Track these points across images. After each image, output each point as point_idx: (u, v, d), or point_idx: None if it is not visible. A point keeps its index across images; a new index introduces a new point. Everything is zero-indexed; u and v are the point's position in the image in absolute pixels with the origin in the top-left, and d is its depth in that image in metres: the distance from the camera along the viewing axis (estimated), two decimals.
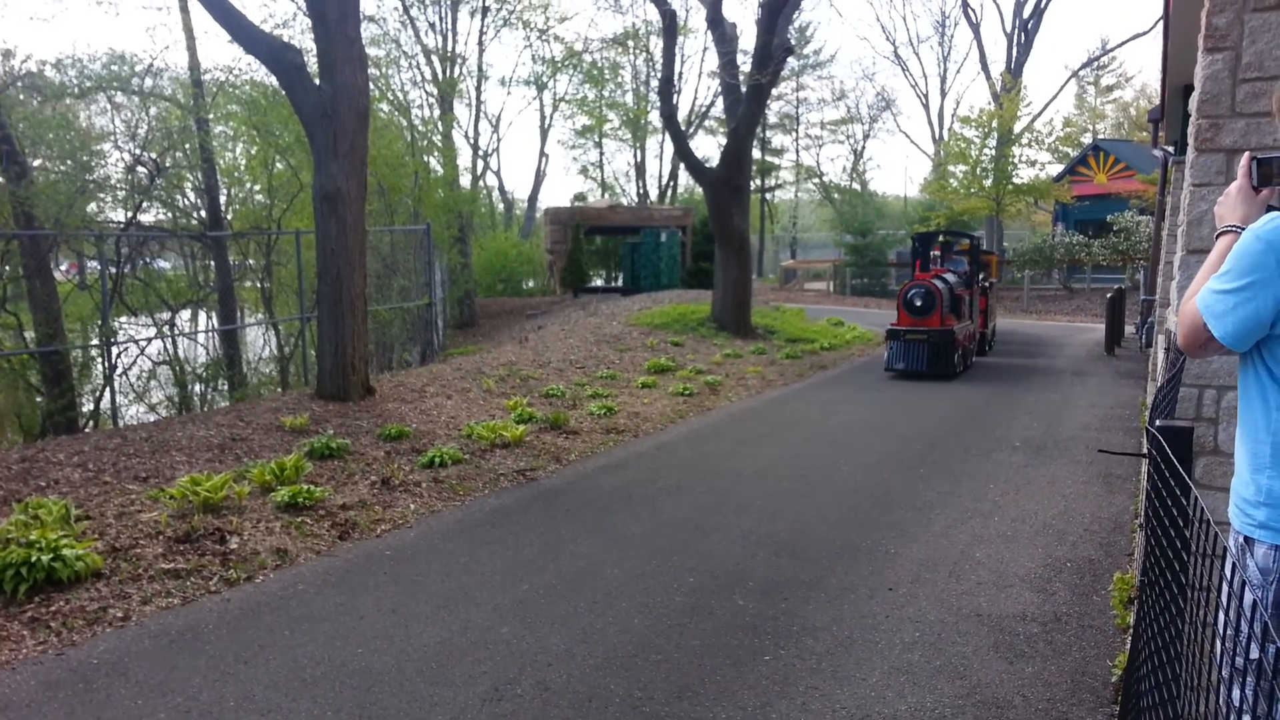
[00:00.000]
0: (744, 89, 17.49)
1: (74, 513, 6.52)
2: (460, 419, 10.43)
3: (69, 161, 12.74)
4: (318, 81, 11.08)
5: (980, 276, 17.21)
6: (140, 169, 14.58)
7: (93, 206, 13.41)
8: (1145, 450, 1.91)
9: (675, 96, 42.93)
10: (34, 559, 5.28)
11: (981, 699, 4.08)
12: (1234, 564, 2.33)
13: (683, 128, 44.78)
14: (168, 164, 15.86)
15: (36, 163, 12.78)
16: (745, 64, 20.22)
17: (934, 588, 5.40)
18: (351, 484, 7.75)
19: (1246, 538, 2.35)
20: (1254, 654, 2.27)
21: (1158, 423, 1.90)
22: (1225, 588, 2.34)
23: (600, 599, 5.28)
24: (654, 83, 41.83)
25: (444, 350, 19.92)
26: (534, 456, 8.92)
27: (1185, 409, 3.82)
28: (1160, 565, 1.97)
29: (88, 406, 13.50)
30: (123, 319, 15.29)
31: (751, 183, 50.84)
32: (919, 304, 14.10)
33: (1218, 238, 2.50)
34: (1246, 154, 2.57)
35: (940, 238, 17.48)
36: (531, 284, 38.73)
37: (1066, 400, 12.03)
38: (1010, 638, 4.72)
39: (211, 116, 16.31)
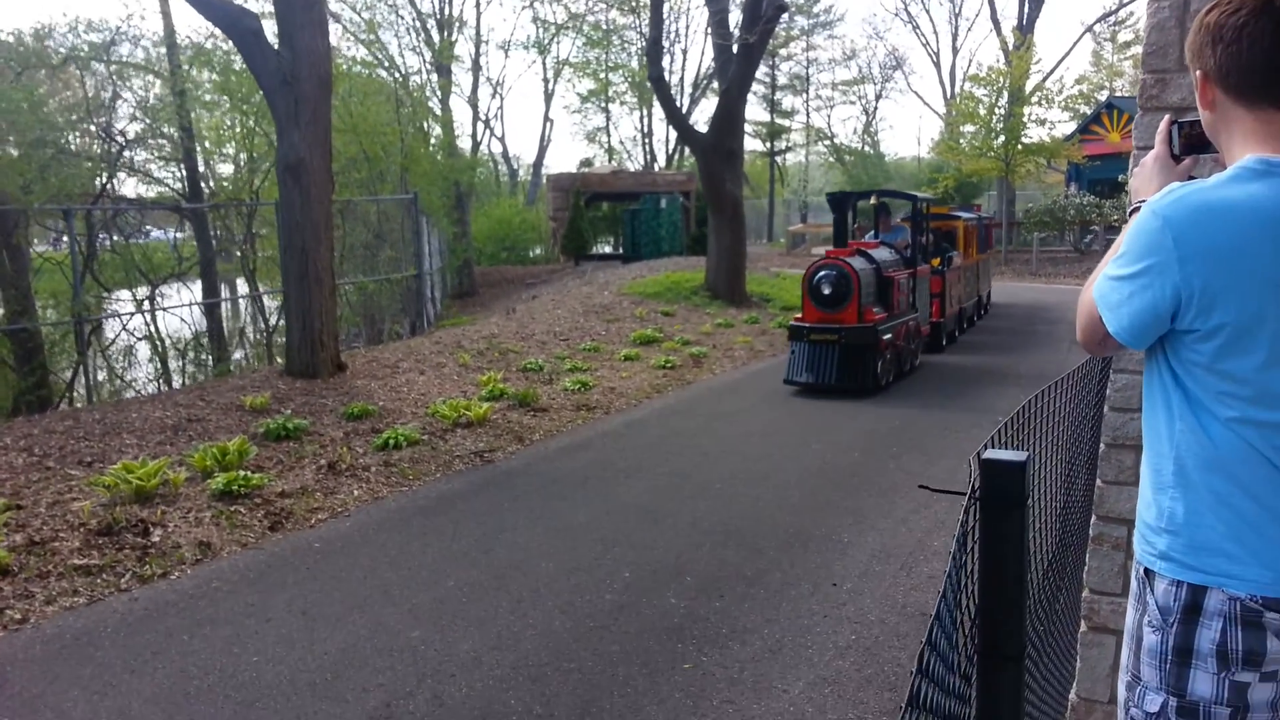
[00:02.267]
0: (734, 49, 16.95)
1: (0, 503, 6.27)
2: (430, 396, 10.13)
3: (36, 134, 12.42)
4: (277, 47, 10.68)
5: (937, 250, 13.96)
6: (112, 140, 14.24)
7: (68, 180, 13.08)
8: (970, 488, 1.54)
9: (669, 59, 42.22)
10: None
11: None
12: (1135, 600, 1.99)
13: (688, 93, 44.08)
14: (145, 135, 15.54)
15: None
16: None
17: (881, 583, 5.07)
18: (299, 468, 7.47)
19: (1147, 569, 1.99)
20: (1152, 707, 1.92)
21: (986, 454, 1.53)
22: (1132, 624, 2.00)
23: (526, 597, 4.97)
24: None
25: (438, 322, 19.64)
26: (495, 436, 8.61)
27: (1125, 399, 3.43)
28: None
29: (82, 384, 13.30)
30: (107, 294, 15.04)
31: (762, 145, 50.11)
32: (827, 291, 10.50)
33: (1130, 215, 2.12)
34: (1166, 117, 2.18)
35: (873, 199, 13.54)
36: (538, 251, 38.33)
37: (1060, 368, 11.61)
38: None
39: (189, 86, 15.94)
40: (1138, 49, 49.19)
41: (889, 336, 10.71)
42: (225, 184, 17.55)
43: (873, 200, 13.43)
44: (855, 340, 10.34)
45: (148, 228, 19.24)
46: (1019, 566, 1.55)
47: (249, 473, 6.91)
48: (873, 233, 13.05)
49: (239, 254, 16.23)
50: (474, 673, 4.15)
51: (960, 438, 8.33)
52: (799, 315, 11.04)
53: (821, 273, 10.66)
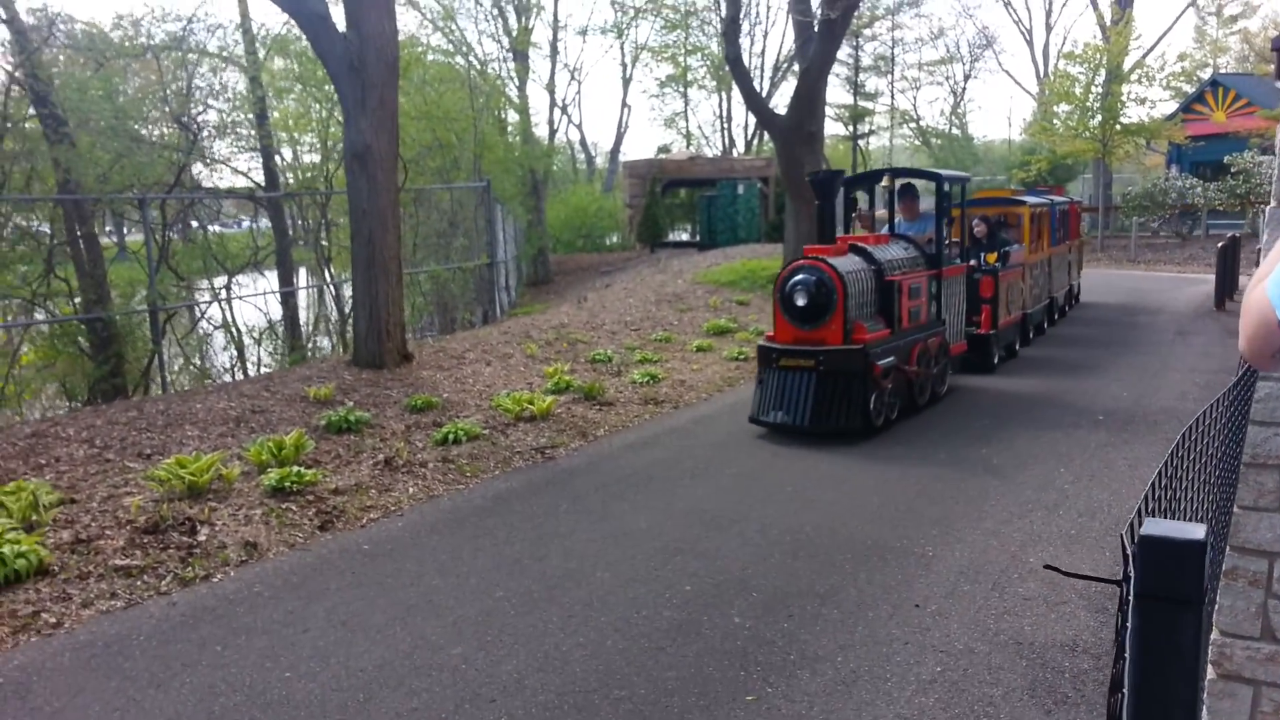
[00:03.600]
0: (815, 26, 16.29)
1: (53, 498, 6.16)
2: (495, 388, 9.86)
3: (113, 124, 12.50)
4: (344, 31, 10.48)
5: (992, 243, 11.61)
6: (188, 130, 14.32)
7: (144, 170, 13.16)
8: (1123, 573, 1.09)
9: (749, 41, 41.42)
10: None
11: None
12: None
13: (767, 76, 43.24)
14: (222, 124, 15.62)
15: (80, 127, 12.58)
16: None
17: (970, 604, 4.57)
18: (355, 464, 7.24)
19: None
20: None
21: (1145, 528, 1.08)
22: None
23: (578, 611, 4.61)
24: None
25: (511, 310, 19.46)
26: (558, 431, 8.28)
27: (1269, 411, 2.89)
28: None
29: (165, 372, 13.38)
30: (182, 282, 15.15)
31: (845, 128, 49.00)
32: (801, 303, 8.02)
33: None
34: None
35: (885, 179, 10.29)
36: (614, 239, 38.02)
37: (1164, 364, 10.81)
38: (1053, 675, 3.88)
39: (266, 75, 15.97)
40: (1245, 23, 46.22)
41: (889, 361, 8.17)
42: (305, 173, 17.58)
43: (884, 182, 10.24)
44: (836, 367, 7.89)
45: (225, 218, 19.49)
46: (1191, 689, 1.09)
47: (303, 469, 6.69)
48: (891, 224, 10.18)
49: (315, 243, 16.24)
50: (515, 698, 3.81)
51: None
52: (771, 332, 8.59)
53: (796, 278, 8.10)
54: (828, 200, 8.63)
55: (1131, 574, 1.11)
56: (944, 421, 8.56)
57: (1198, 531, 1.09)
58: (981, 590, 4.73)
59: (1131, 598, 1.11)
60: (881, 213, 11.06)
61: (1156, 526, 1.09)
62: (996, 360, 10.95)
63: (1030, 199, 13.31)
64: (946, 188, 9.71)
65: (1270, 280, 1.41)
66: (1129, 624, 1.10)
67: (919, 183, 10.66)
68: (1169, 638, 1.07)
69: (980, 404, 9.25)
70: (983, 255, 11.31)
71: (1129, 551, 1.16)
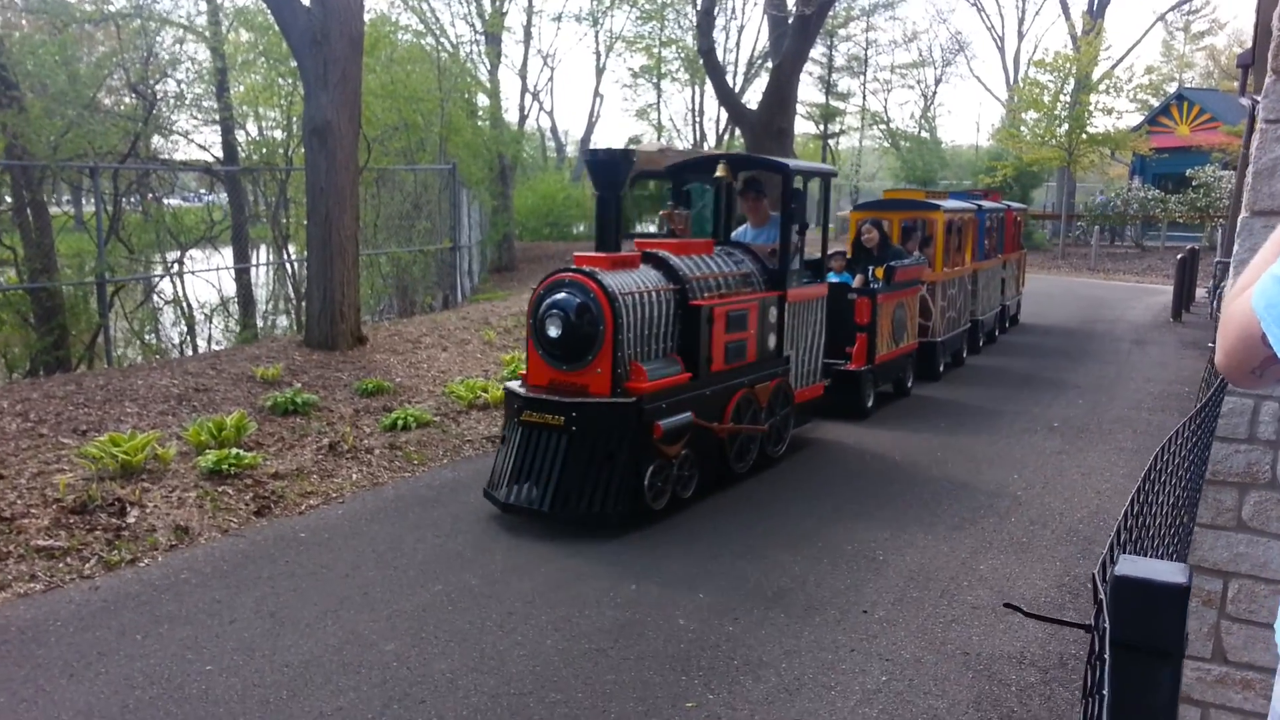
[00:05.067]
0: (789, 22, 16.21)
1: None
2: (450, 374, 9.67)
3: (65, 90, 12.10)
4: (307, 3, 10.21)
5: (882, 255, 9.54)
6: (144, 99, 13.92)
7: (96, 138, 12.76)
8: (1093, 617, 0.96)
9: (724, 36, 41.30)
10: None
11: None
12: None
13: (741, 72, 43.16)
14: (180, 95, 15.23)
15: (31, 93, 12.17)
16: None
17: (919, 611, 4.49)
18: (299, 448, 7.03)
19: None
20: None
21: (1120, 567, 0.96)
22: None
23: (518, 608, 4.47)
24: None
25: (474, 295, 19.20)
26: None
27: (1232, 427, 2.82)
28: None
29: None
30: (132, 255, 14.75)
31: (815, 127, 49.08)
32: (554, 333, 5.74)
33: None
34: None
35: (720, 167, 7.43)
36: (582, 229, 37.75)
37: (1119, 374, 10.86)
38: (999, 689, 3.80)
39: (227, 48, 15.58)
40: (1211, 40, 46.82)
41: (679, 419, 5.79)
42: (265, 149, 17.18)
43: (719, 172, 7.39)
44: (595, 427, 5.57)
45: (186, 191, 19.04)
46: None
47: (243, 451, 6.47)
48: (719, 228, 7.84)
49: (273, 219, 15.87)
50: (447, 698, 3.66)
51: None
52: (524, 371, 6.23)
53: (552, 298, 5.78)
54: (610, 190, 6.12)
55: (1104, 620, 0.98)
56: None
57: (1179, 574, 0.96)
58: (930, 597, 4.65)
59: (1103, 647, 0.98)
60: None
61: (1133, 566, 0.97)
62: (870, 404, 8.76)
63: (948, 203, 11.21)
64: (797, 183, 7.49)
65: (1255, 290, 1.30)
66: (1099, 675, 0.97)
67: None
68: (1144, 695, 0.95)
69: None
70: (870, 269, 9.28)
71: (1101, 595, 1.03)
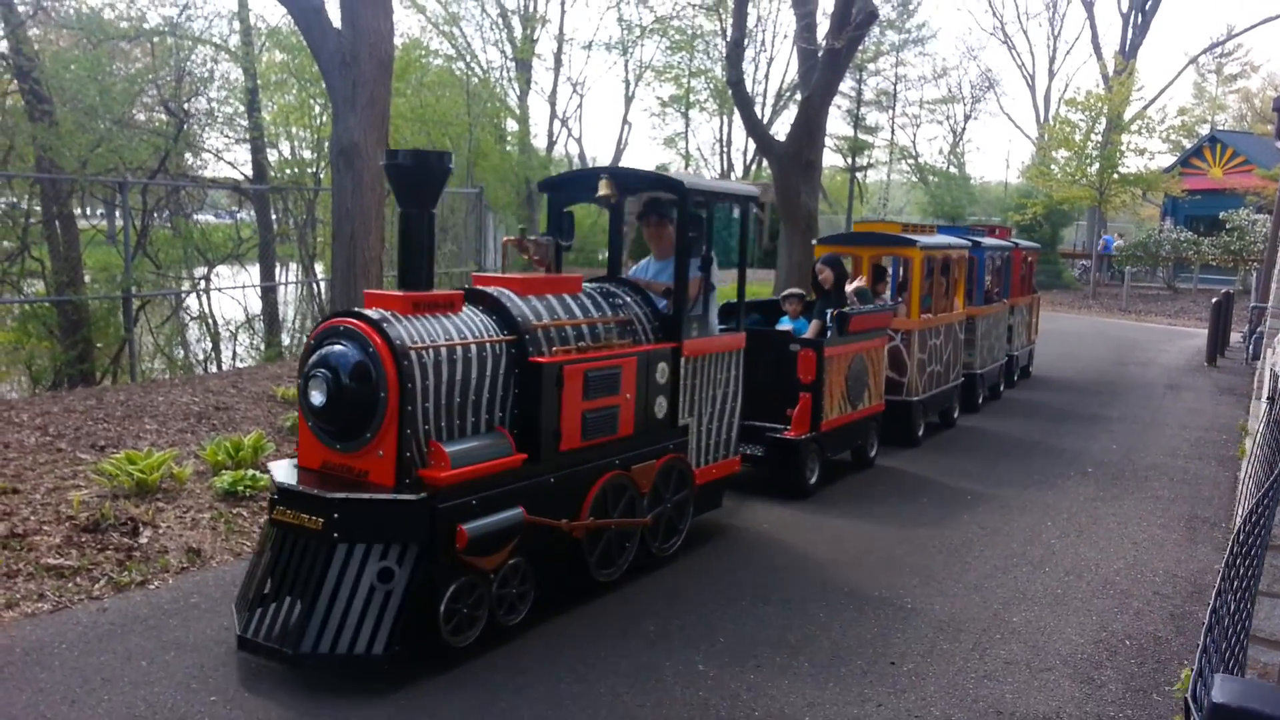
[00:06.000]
0: (820, 55, 16.17)
1: None
2: None
3: (96, 105, 12.19)
4: (339, 26, 10.25)
5: (828, 299, 7.77)
6: (175, 116, 14.02)
7: (125, 153, 12.84)
8: None
9: (753, 68, 41.43)
10: None
11: None
12: None
13: (769, 104, 43.27)
14: (211, 113, 15.35)
15: (64, 107, 12.28)
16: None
17: (949, 665, 4.31)
18: None
19: None
20: None
21: (1219, 694, 0.82)
22: None
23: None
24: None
25: None
26: None
27: None
28: None
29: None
30: (158, 270, 14.82)
31: (843, 160, 49.06)
32: (318, 400, 4.15)
33: None
34: None
35: (601, 183, 5.84)
36: (605, 255, 37.81)
37: (1154, 418, 10.62)
38: None
39: (259, 67, 15.70)
40: (1244, 83, 46.68)
41: (502, 519, 4.28)
42: (292, 169, 17.29)
43: (602, 190, 5.84)
44: (365, 534, 4.06)
45: (219, 209, 19.18)
46: None
47: (259, 472, 6.39)
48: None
49: (300, 239, 15.93)
50: None
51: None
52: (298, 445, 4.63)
53: (319, 352, 4.28)
54: (417, 206, 4.57)
55: None
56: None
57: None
58: (961, 650, 4.48)
59: None
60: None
61: (1231, 691, 0.83)
62: (813, 479, 7.15)
63: (929, 239, 9.43)
64: (692, 206, 5.65)
65: None
66: None
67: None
68: None
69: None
70: (829, 313, 7.65)
71: None
